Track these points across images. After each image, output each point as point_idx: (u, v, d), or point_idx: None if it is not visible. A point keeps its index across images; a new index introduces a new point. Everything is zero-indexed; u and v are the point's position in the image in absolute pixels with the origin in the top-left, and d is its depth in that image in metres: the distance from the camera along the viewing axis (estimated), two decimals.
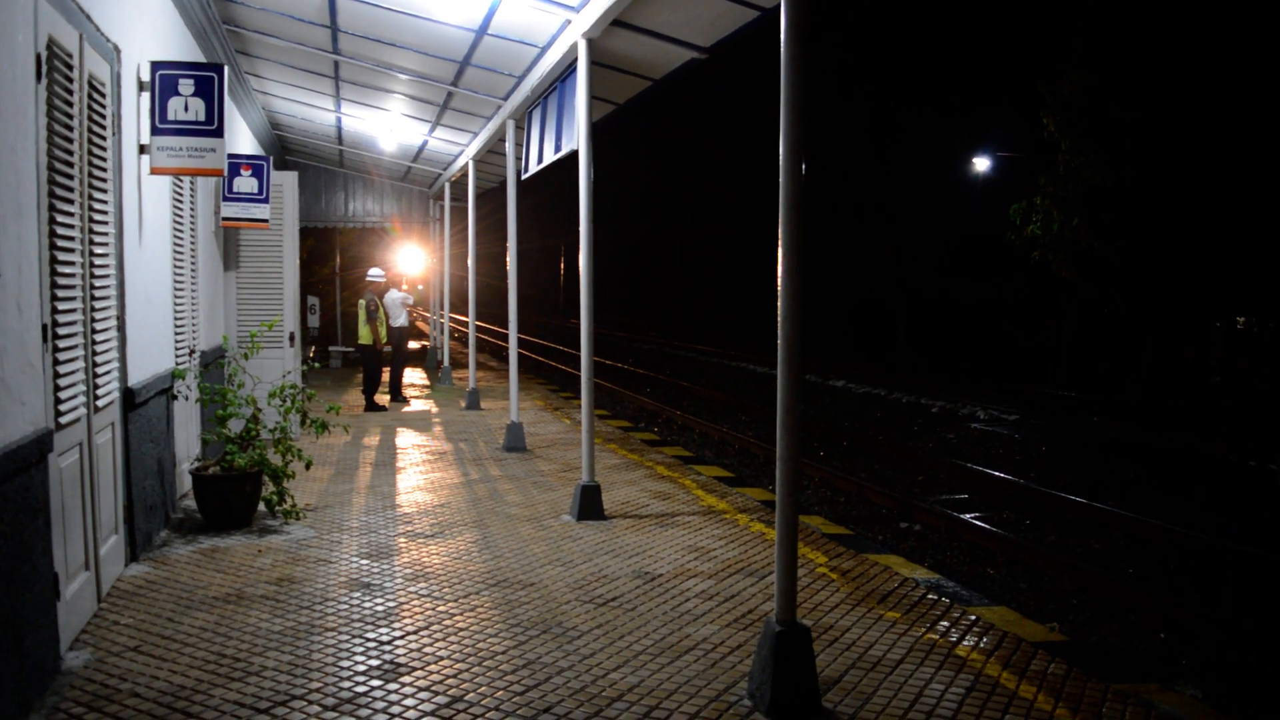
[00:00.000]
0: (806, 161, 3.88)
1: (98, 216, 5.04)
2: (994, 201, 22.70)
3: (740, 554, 6.20)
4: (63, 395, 4.28)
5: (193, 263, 7.94)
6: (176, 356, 7.16)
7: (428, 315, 25.21)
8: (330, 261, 23.41)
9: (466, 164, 13.48)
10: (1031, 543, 7.95)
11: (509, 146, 10.25)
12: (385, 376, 14.21)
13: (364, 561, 5.92)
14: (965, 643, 4.68)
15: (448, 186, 16.68)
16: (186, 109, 6.08)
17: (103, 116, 5.17)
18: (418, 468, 9.08)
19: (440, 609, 5.03)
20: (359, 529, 6.74)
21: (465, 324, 29.03)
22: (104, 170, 5.18)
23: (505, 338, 16.65)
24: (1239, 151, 16.46)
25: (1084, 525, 8.69)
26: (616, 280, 48.94)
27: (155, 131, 6.06)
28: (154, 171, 6.14)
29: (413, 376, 18.00)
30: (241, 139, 11.33)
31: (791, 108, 3.83)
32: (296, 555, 6.04)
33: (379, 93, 11.25)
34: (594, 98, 7.59)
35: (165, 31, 6.95)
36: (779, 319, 3.89)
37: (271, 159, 9.77)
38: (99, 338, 5.04)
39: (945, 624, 4.94)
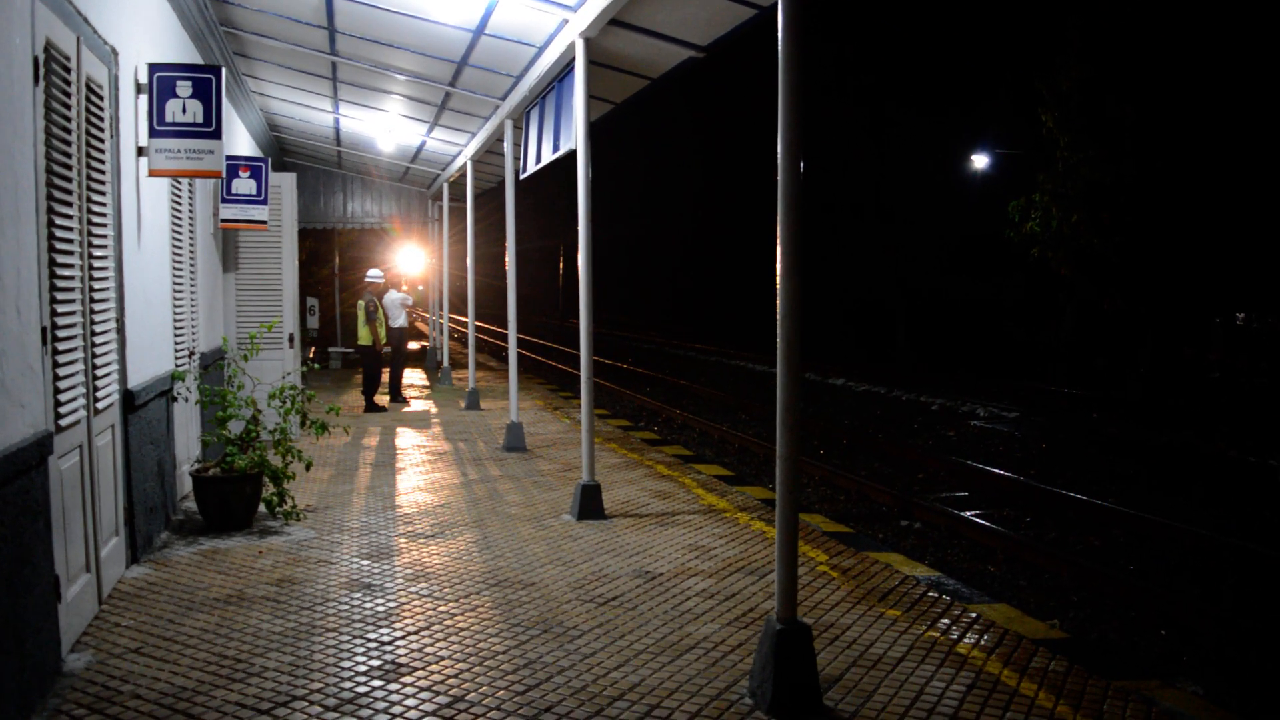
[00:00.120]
0: (805, 160, 3.88)
1: (96, 219, 5.04)
2: (993, 199, 22.72)
3: (741, 552, 6.20)
4: (62, 398, 4.28)
5: (192, 264, 7.94)
6: (176, 358, 7.16)
7: (427, 316, 25.21)
8: (329, 263, 23.40)
9: (465, 164, 13.48)
10: (1032, 540, 7.96)
11: (507, 146, 10.25)
12: (385, 377, 14.21)
13: (364, 562, 5.92)
14: (966, 640, 4.68)
15: (446, 187, 16.67)
16: (184, 111, 6.08)
17: (101, 119, 5.17)
18: (418, 468, 9.08)
19: (441, 609, 5.03)
20: (359, 529, 6.74)
21: (465, 324, 29.03)
22: (102, 173, 5.18)
23: (505, 338, 16.67)
24: (1238, 147, 16.46)
25: (1084, 522, 8.69)
26: (616, 280, 48.96)
27: (153, 134, 6.06)
28: (152, 173, 6.14)
29: (412, 377, 18.00)
30: (240, 140, 11.33)
31: (789, 106, 3.84)
32: (297, 556, 6.05)
33: (377, 93, 11.25)
34: (592, 97, 7.60)
35: (163, 33, 6.95)
36: (778, 317, 3.90)
37: (270, 160, 9.77)
38: (98, 340, 5.04)
39: (946, 621, 4.94)
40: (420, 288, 21.94)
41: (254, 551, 6.16)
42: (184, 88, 6.07)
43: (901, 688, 4.10)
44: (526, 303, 47.17)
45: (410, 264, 19.79)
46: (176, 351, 7.20)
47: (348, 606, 5.07)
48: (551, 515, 7.19)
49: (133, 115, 6.00)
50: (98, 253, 5.05)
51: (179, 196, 7.48)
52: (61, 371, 4.28)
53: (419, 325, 32.96)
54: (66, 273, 4.40)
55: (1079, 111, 17.27)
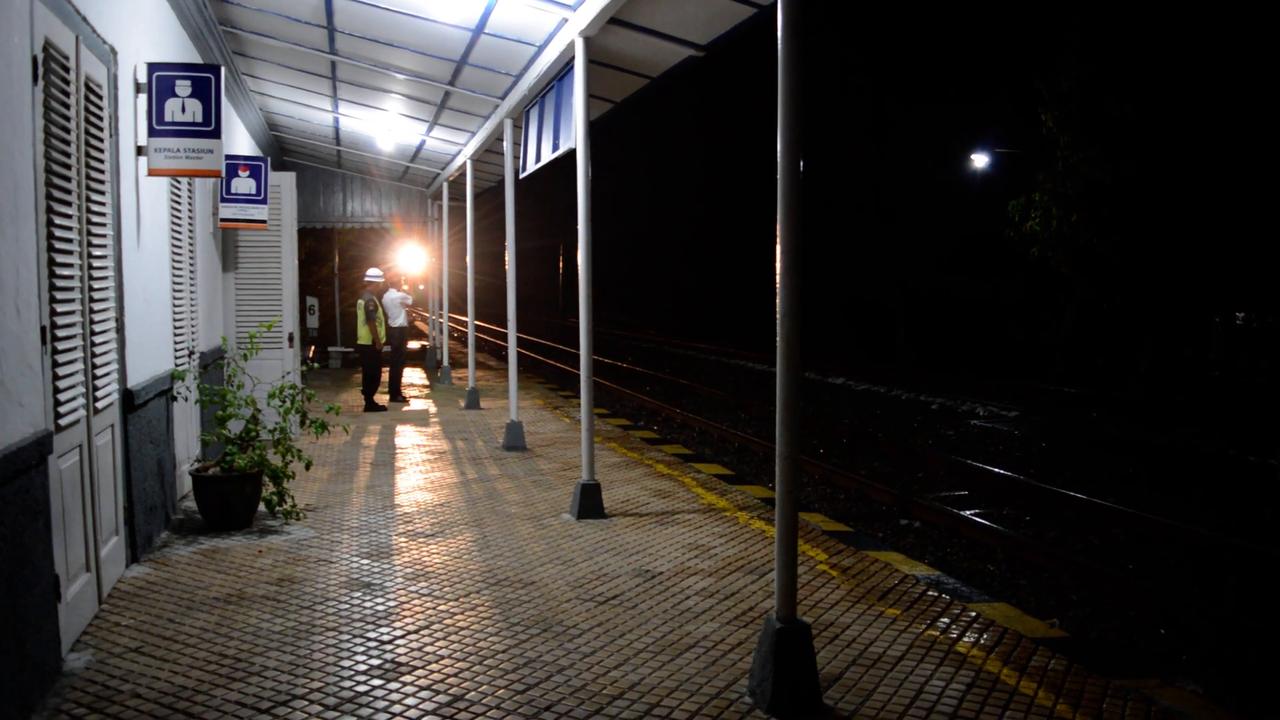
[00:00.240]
0: (804, 159, 3.88)
1: (96, 218, 5.04)
2: (992, 198, 22.72)
3: (740, 551, 6.20)
4: (62, 397, 4.28)
5: (191, 264, 7.94)
6: (176, 358, 7.16)
7: (427, 315, 25.20)
8: (329, 262, 23.40)
9: (464, 163, 13.48)
10: (1031, 539, 7.96)
11: (507, 146, 10.25)
12: (385, 376, 14.21)
13: (364, 561, 5.92)
14: (965, 639, 4.69)
15: (446, 186, 16.67)
16: (184, 110, 6.08)
17: (100, 118, 5.17)
18: (417, 467, 9.08)
19: (440, 608, 5.03)
20: (359, 529, 6.74)
21: (465, 323, 29.02)
22: (102, 172, 5.18)
23: (504, 337, 16.66)
24: (1238, 147, 16.46)
25: (1084, 521, 8.69)
26: (616, 279, 48.98)
27: (153, 133, 6.06)
28: (152, 173, 6.14)
29: (412, 376, 18.00)
30: (239, 140, 11.33)
31: (789, 105, 3.84)
32: (297, 555, 6.05)
33: (376, 93, 11.24)
34: (591, 96, 7.60)
35: (162, 33, 6.95)
36: (778, 316, 3.90)
37: (269, 160, 9.77)
38: (98, 339, 5.04)
39: (945, 620, 4.95)
40: (421, 287, 21.92)
41: (254, 551, 6.16)
42: (183, 87, 6.07)
43: (901, 686, 4.10)
44: (526, 302, 47.15)
45: (410, 263, 19.78)
46: (176, 351, 7.19)
47: (347, 605, 5.07)
48: (551, 514, 7.19)
49: (132, 114, 6.00)
50: (97, 252, 5.05)
51: (178, 196, 7.48)
52: (61, 371, 4.27)
53: (419, 324, 32.96)
54: (66, 272, 4.40)
55: (1079, 111, 17.27)
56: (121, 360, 5.57)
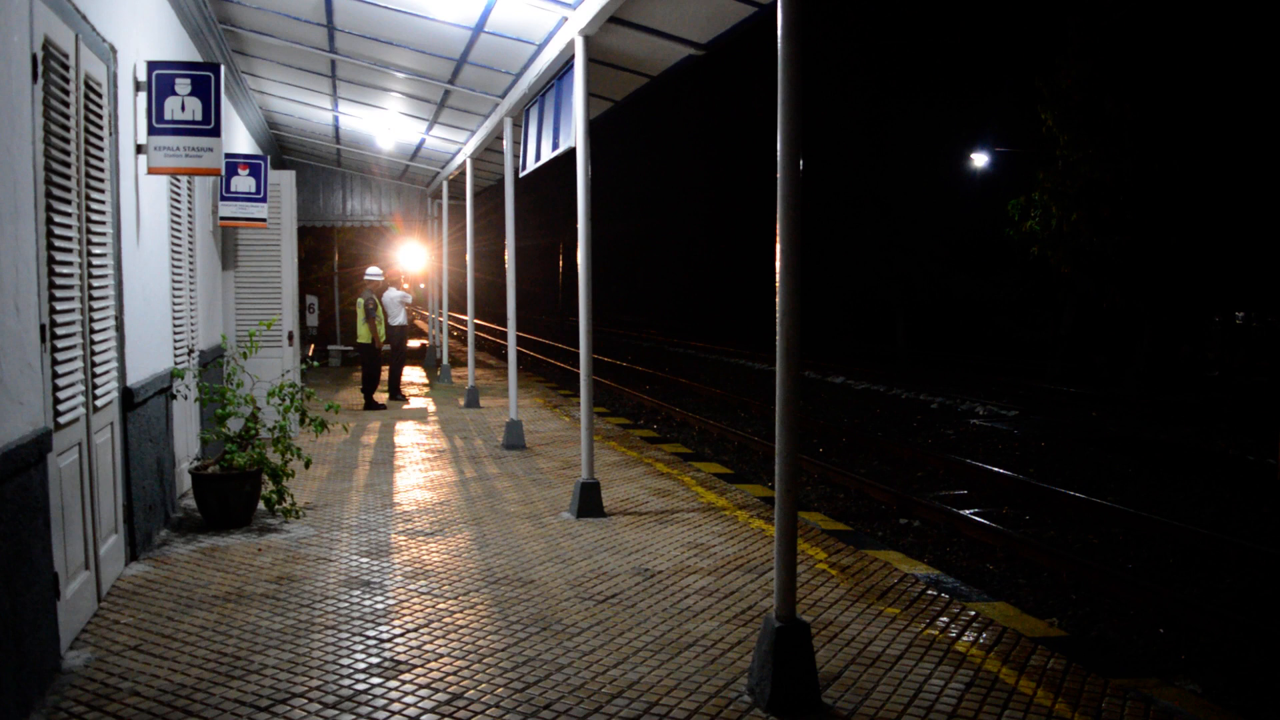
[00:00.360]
0: (804, 158, 3.88)
1: (95, 217, 5.03)
2: (992, 197, 22.71)
3: (740, 550, 6.20)
4: (61, 395, 4.28)
5: (191, 262, 7.93)
6: (175, 356, 7.16)
7: (426, 314, 25.20)
8: (328, 260, 23.40)
9: (464, 162, 13.47)
10: (1030, 538, 7.96)
11: (507, 144, 10.25)
12: (384, 375, 14.21)
13: (363, 559, 5.92)
14: (965, 638, 4.69)
15: (446, 185, 16.66)
16: (183, 109, 6.07)
17: (99, 117, 5.17)
18: (417, 466, 9.09)
19: (439, 607, 5.04)
20: (358, 527, 6.74)
21: (464, 322, 29.02)
22: (101, 170, 5.18)
23: (504, 336, 16.66)
24: (1237, 146, 16.46)
25: (1083, 520, 8.70)
26: (617, 277, 49.00)
27: (152, 131, 6.06)
28: (151, 171, 6.13)
29: (412, 375, 18.00)
30: (239, 138, 11.33)
31: (789, 104, 3.83)
32: (296, 554, 6.05)
33: (376, 91, 11.24)
34: (591, 95, 7.60)
35: (161, 31, 6.95)
36: (778, 315, 3.90)
37: (269, 158, 9.76)
38: (97, 338, 5.04)
39: (945, 619, 4.95)
40: (421, 285, 21.93)
41: (253, 549, 6.17)
42: (183, 85, 6.07)
43: (900, 685, 4.10)
44: (526, 300, 47.18)
45: (410, 262, 19.79)
46: (176, 349, 7.19)
47: (346, 604, 5.07)
48: (550, 513, 7.19)
49: (131, 113, 5.99)
50: (97, 250, 5.04)
51: (178, 194, 7.47)
52: (60, 369, 4.27)
53: (418, 323, 32.96)
54: (65, 270, 4.40)
55: (1078, 110, 17.27)
56: (121, 358, 5.57)
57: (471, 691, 3.97)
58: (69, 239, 4.48)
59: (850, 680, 4.15)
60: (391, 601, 5.12)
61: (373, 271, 13.94)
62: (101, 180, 5.17)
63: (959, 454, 11.86)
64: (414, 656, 4.34)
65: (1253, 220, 16.81)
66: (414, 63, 9.49)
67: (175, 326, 7.20)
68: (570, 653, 4.40)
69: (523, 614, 4.93)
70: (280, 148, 17.03)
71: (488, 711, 3.79)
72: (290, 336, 10.34)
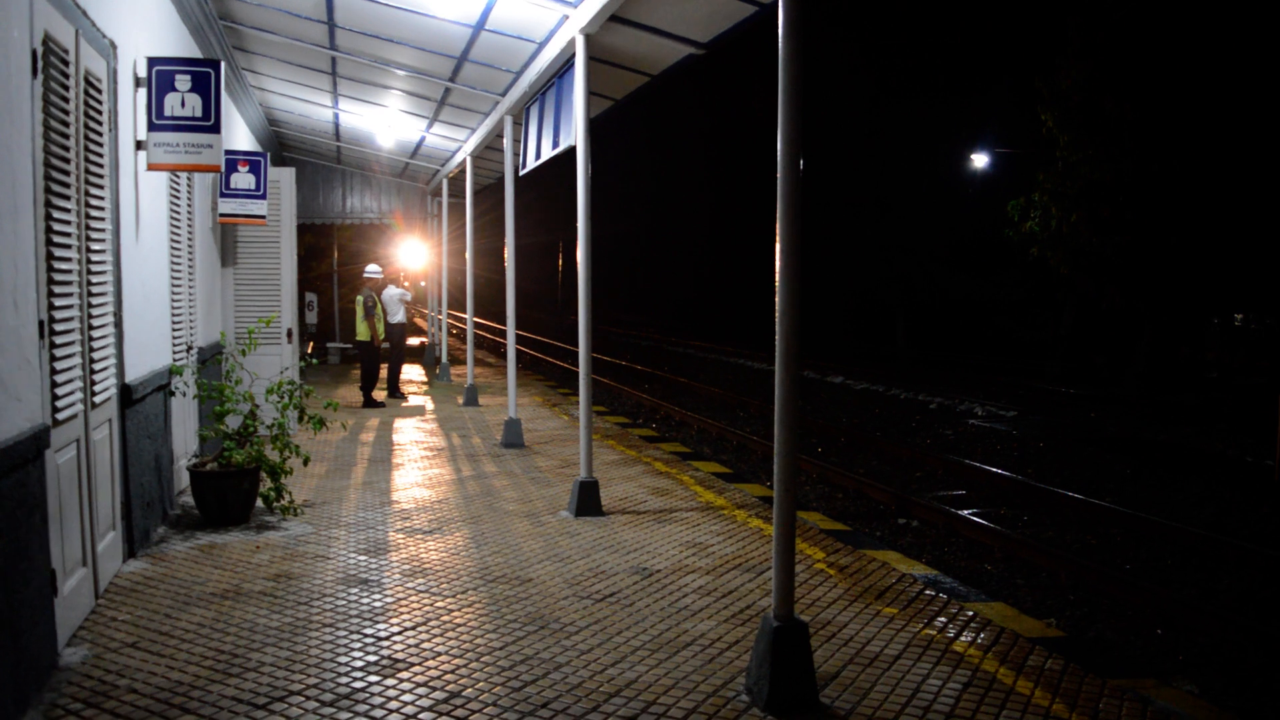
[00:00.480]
0: (805, 158, 3.88)
1: (94, 213, 5.03)
2: (992, 197, 22.72)
3: (738, 550, 6.20)
4: (60, 392, 4.27)
5: (190, 259, 7.93)
6: (174, 353, 7.15)
7: (426, 312, 25.19)
8: (328, 258, 23.39)
9: (464, 160, 13.47)
10: (1029, 538, 7.96)
11: (507, 143, 10.24)
12: (383, 372, 14.20)
13: (361, 557, 5.92)
14: (962, 638, 4.69)
15: (446, 183, 16.65)
16: (183, 105, 6.06)
17: (99, 113, 5.16)
18: (415, 464, 9.08)
19: (437, 605, 5.03)
20: (356, 525, 6.74)
21: (464, 320, 29.01)
22: (101, 167, 5.17)
23: (504, 334, 16.66)
24: (1237, 147, 16.47)
25: (1081, 521, 8.70)
26: (617, 276, 48.98)
27: (152, 128, 6.05)
28: (151, 168, 6.12)
29: (411, 373, 18.00)
30: (239, 135, 11.32)
31: (789, 104, 3.83)
32: (294, 551, 6.05)
33: (376, 89, 11.23)
34: (592, 93, 7.59)
35: (162, 27, 6.94)
36: (777, 314, 3.90)
37: (269, 155, 9.76)
38: (96, 334, 5.03)
39: (943, 619, 4.95)
40: (422, 283, 21.92)
41: (251, 547, 6.16)
42: (183, 82, 6.06)
43: (898, 685, 4.10)
44: (526, 299, 47.12)
45: (409, 259, 19.78)
46: (174, 346, 7.19)
47: (344, 602, 5.07)
48: (549, 512, 7.19)
49: (131, 109, 5.99)
50: (96, 247, 5.04)
51: (178, 191, 7.46)
52: (59, 365, 4.27)
53: (418, 321, 32.96)
54: (64, 266, 4.40)
55: (1078, 111, 17.27)
56: (119, 355, 5.56)
57: (469, 690, 3.97)
58: (68, 235, 4.48)
59: (848, 680, 4.15)
60: (389, 599, 5.12)
61: (372, 269, 13.93)
62: (101, 176, 5.17)
63: (958, 454, 11.86)
64: (412, 654, 4.34)
65: (1252, 221, 16.81)
66: (414, 60, 9.48)
67: (174, 323, 7.19)
68: (568, 651, 4.40)
69: (520, 612, 4.93)
70: (280, 144, 17.01)
71: (485, 710, 3.79)
72: (289, 334, 10.34)
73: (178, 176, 7.44)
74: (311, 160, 18.65)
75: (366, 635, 4.58)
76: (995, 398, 16.83)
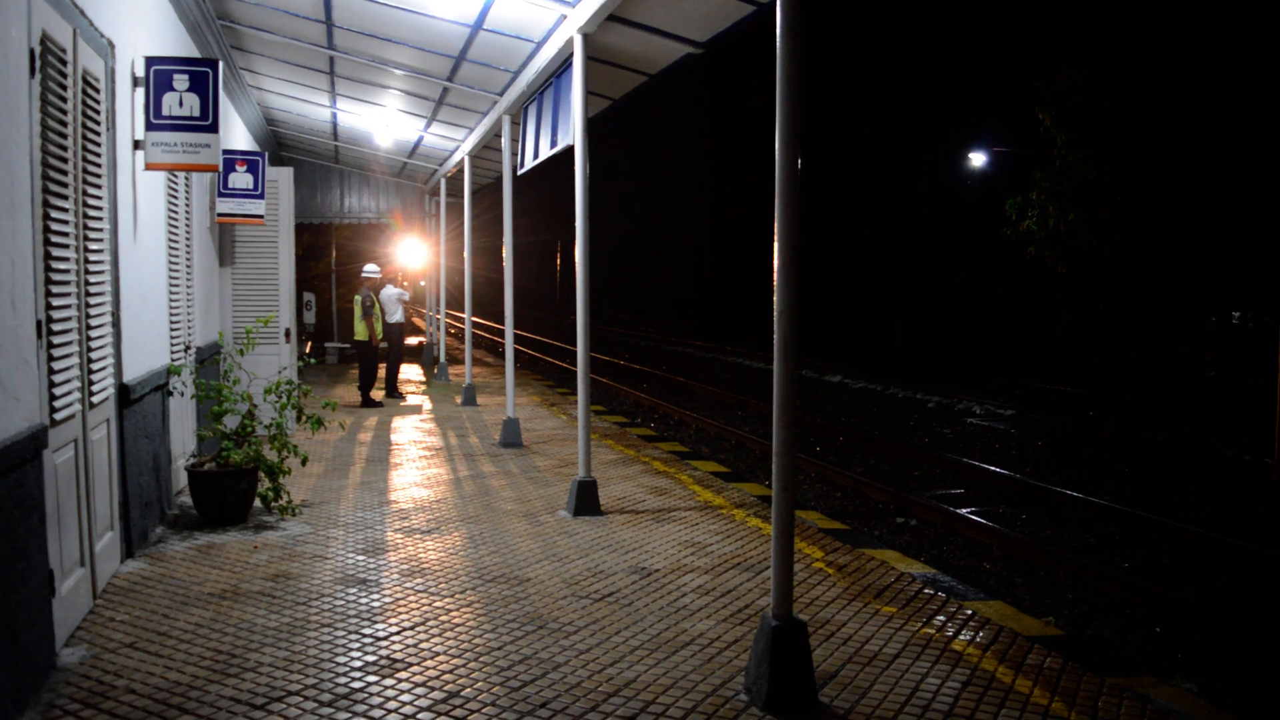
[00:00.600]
0: (803, 157, 3.88)
1: (92, 212, 5.02)
2: (990, 197, 22.72)
3: (737, 549, 6.20)
4: (57, 391, 4.27)
5: (188, 259, 7.92)
6: (172, 352, 7.14)
7: (424, 311, 25.19)
8: (326, 257, 23.37)
9: (463, 159, 13.45)
10: (1027, 537, 7.97)
11: (505, 142, 10.23)
12: (381, 372, 14.20)
13: (359, 557, 5.92)
14: (961, 637, 4.69)
15: (444, 182, 16.65)
16: (181, 104, 6.06)
17: (97, 112, 5.16)
18: (413, 463, 9.08)
19: (436, 604, 5.03)
20: (354, 525, 6.73)
21: (462, 320, 29.02)
22: (98, 166, 5.16)
23: (502, 334, 16.65)
24: (1235, 146, 16.48)
25: (1080, 520, 8.71)
26: (615, 276, 48.93)
27: (150, 127, 6.04)
28: (149, 167, 6.12)
29: (409, 372, 17.99)
30: (237, 135, 11.31)
31: (787, 103, 3.83)
32: (292, 551, 6.04)
33: (374, 88, 11.22)
34: (590, 93, 7.60)
35: (160, 27, 6.93)
36: (775, 314, 3.90)
37: (267, 155, 9.75)
38: (94, 334, 5.02)
39: (941, 618, 4.95)
40: (422, 283, 21.91)
41: (249, 546, 6.16)
42: (181, 81, 6.05)
43: (897, 684, 4.10)
44: (524, 298, 47.15)
45: (407, 259, 19.77)
46: (172, 346, 7.18)
47: (342, 602, 5.07)
48: (547, 511, 7.19)
49: (129, 108, 5.98)
50: (93, 246, 5.03)
51: (175, 190, 7.46)
52: (56, 365, 4.26)
53: (416, 321, 32.94)
54: (62, 266, 4.39)
55: (1077, 110, 17.28)
56: (117, 355, 5.56)
57: (468, 690, 3.97)
58: (66, 235, 4.47)
59: (847, 679, 4.15)
60: (387, 599, 5.12)
61: (370, 268, 13.91)
62: (99, 176, 5.16)
63: (956, 453, 11.87)
64: (410, 654, 4.34)
65: (1250, 221, 16.83)
66: (412, 60, 9.48)
67: (172, 323, 7.19)
68: (566, 651, 4.40)
69: (519, 612, 4.92)
70: (278, 144, 17.00)
71: (484, 710, 3.79)
72: (287, 333, 10.33)
73: (175, 176, 7.43)
74: (309, 160, 18.63)
75: (365, 635, 4.58)
76: (993, 397, 16.84)
